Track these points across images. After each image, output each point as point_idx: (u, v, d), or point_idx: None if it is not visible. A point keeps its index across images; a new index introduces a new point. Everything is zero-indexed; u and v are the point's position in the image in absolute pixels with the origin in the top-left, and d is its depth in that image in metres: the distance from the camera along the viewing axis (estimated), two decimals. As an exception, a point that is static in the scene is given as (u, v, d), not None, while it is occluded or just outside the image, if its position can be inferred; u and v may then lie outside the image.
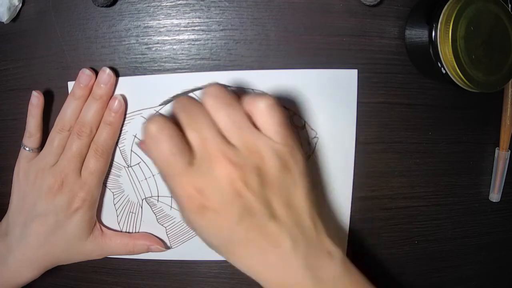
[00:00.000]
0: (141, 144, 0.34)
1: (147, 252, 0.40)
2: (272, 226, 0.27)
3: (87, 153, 0.36)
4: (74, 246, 0.37)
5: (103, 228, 0.40)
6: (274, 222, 0.27)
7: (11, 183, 0.38)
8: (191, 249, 0.41)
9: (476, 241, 0.44)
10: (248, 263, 0.29)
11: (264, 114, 0.29)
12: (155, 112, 0.38)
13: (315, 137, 0.39)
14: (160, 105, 0.38)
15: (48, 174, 0.36)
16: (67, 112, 0.36)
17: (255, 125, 0.29)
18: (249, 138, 0.28)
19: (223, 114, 0.28)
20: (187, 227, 0.40)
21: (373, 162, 0.41)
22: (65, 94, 0.38)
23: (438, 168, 0.42)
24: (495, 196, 0.42)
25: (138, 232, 0.41)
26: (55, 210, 0.36)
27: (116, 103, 0.37)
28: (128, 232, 0.41)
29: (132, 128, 0.39)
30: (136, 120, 0.38)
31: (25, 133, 0.37)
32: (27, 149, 0.37)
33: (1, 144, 0.40)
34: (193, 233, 0.41)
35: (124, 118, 0.38)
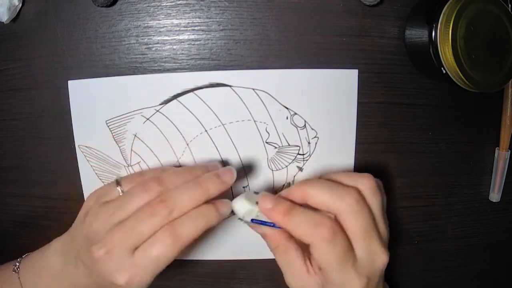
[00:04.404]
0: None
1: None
2: None
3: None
4: None
5: None
6: None
7: (11, 183, 0.37)
8: (191, 249, 0.41)
9: (476, 241, 0.44)
10: None
11: None
12: (155, 111, 0.38)
13: (315, 137, 0.39)
14: (160, 104, 0.38)
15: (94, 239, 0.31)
16: (172, 179, 0.32)
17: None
18: None
19: None
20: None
21: (373, 162, 0.41)
22: (65, 94, 0.38)
23: (438, 168, 0.42)
24: (495, 196, 0.42)
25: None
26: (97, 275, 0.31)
27: (225, 208, 0.32)
28: None
29: (132, 128, 0.39)
30: (136, 120, 0.38)
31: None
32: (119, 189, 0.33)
33: (1, 144, 0.40)
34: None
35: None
